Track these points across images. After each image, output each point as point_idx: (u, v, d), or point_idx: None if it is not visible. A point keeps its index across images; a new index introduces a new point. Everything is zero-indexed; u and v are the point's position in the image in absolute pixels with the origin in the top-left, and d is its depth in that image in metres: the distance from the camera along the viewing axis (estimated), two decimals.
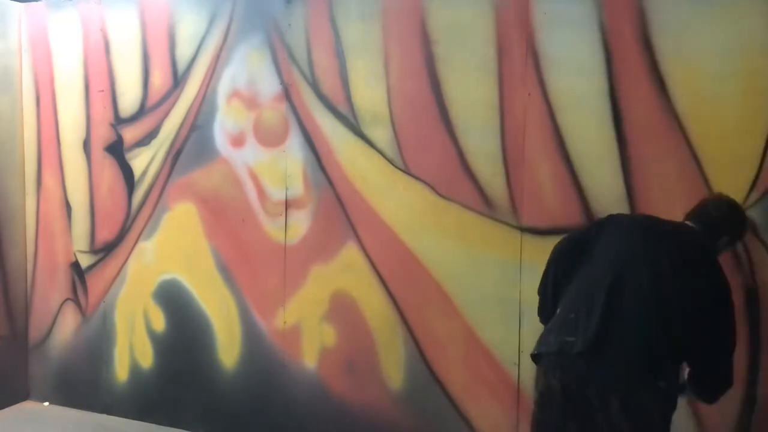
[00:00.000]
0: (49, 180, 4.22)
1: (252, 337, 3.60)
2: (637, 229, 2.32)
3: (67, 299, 4.20)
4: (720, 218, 2.41)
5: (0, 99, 4.15)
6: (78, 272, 4.14)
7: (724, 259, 2.63)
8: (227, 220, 3.65)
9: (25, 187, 4.29)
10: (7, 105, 4.20)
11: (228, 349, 3.69)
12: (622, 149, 2.79)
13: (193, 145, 3.74)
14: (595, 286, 2.16)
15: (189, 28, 3.72)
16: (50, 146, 4.20)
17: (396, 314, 3.25)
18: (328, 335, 3.40)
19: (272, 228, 3.53)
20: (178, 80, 3.77)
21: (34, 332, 4.32)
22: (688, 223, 2.41)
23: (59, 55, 4.14)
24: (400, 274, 3.23)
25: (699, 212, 2.43)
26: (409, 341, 3.23)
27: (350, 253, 3.32)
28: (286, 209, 3.49)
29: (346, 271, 3.32)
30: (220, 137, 3.66)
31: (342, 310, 3.36)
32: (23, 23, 4.25)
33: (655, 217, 2.40)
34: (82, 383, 4.14)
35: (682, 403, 2.71)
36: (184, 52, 3.74)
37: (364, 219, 3.29)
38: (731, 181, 2.64)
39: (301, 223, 3.45)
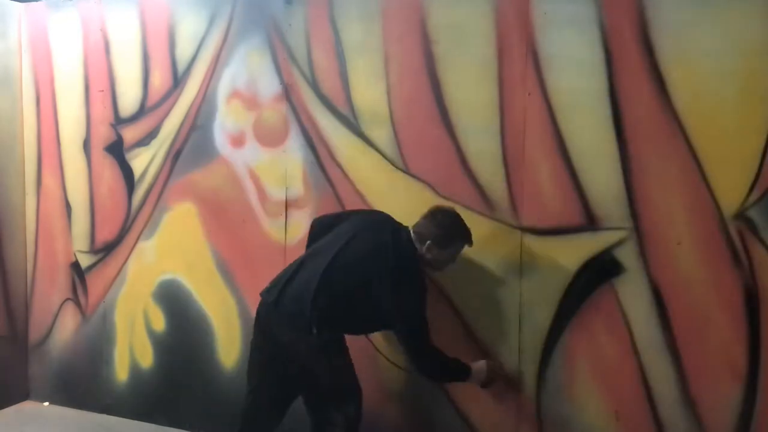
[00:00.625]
0: (49, 180, 4.22)
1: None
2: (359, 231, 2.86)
3: (67, 299, 4.20)
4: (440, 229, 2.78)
5: (0, 99, 4.16)
6: (78, 272, 4.14)
7: (721, 256, 2.65)
8: (227, 221, 3.66)
9: (25, 187, 4.29)
10: (7, 105, 4.20)
11: (228, 349, 3.69)
12: (622, 149, 2.79)
13: (193, 145, 3.74)
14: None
15: (189, 28, 3.72)
16: (50, 146, 4.20)
17: None
18: None
19: (272, 228, 3.53)
20: (178, 80, 3.77)
21: (34, 332, 4.32)
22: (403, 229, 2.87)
23: (59, 55, 4.14)
24: None
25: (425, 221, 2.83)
26: None
27: None
28: (287, 209, 3.49)
29: None
30: (220, 137, 3.66)
31: None
32: (23, 23, 4.25)
33: (379, 223, 2.93)
34: (82, 383, 4.14)
35: (680, 402, 2.72)
36: (184, 52, 3.74)
37: None
38: (731, 181, 2.64)
39: (301, 224, 3.44)
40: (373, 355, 3.32)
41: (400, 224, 2.91)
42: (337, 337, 2.83)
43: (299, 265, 2.86)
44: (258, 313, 2.90)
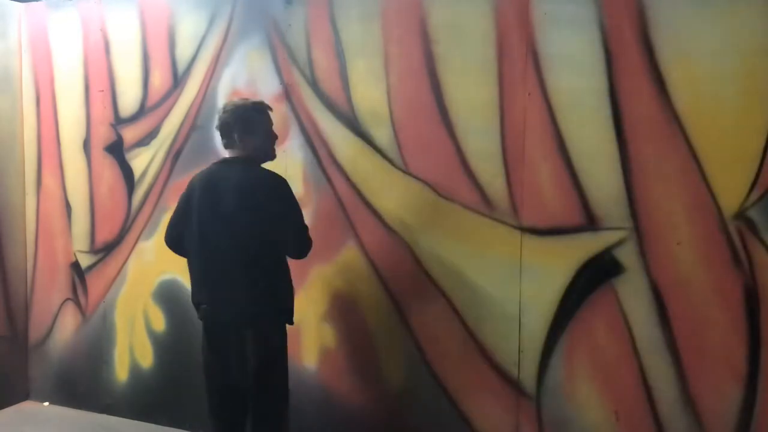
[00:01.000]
0: (49, 180, 4.22)
1: None
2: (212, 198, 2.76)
3: (67, 299, 4.20)
4: (233, 124, 2.79)
5: (0, 99, 4.16)
6: (78, 272, 4.15)
7: (721, 256, 2.65)
8: None
9: (25, 187, 4.30)
10: (7, 105, 4.20)
11: None
12: (622, 149, 2.79)
13: (193, 145, 3.74)
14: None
15: (189, 28, 3.72)
16: (50, 146, 4.20)
17: (396, 314, 3.25)
18: (328, 335, 3.40)
19: None
20: (178, 80, 3.77)
21: (34, 332, 4.32)
22: (235, 156, 2.82)
23: (59, 55, 4.15)
24: (400, 274, 3.23)
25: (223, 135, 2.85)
26: (409, 341, 3.23)
27: (350, 253, 3.32)
28: None
29: (346, 271, 3.31)
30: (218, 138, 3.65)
31: (342, 310, 3.36)
32: (23, 23, 4.25)
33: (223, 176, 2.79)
34: (82, 383, 4.15)
35: (680, 402, 2.72)
36: (184, 52, 3.75)
37: (364, 219, 3.28)
38: (731, 181, 2.64)
39: None
40: (374, 356, 3.32)
41: (231, 160, 2.85)
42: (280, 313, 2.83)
43: (203, 269, 2.83)
44: (206, 322, 2.86)
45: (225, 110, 2.85)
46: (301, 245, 2.93)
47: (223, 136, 2.86)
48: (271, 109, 2.92)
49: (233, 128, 2.81)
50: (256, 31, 3.53)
